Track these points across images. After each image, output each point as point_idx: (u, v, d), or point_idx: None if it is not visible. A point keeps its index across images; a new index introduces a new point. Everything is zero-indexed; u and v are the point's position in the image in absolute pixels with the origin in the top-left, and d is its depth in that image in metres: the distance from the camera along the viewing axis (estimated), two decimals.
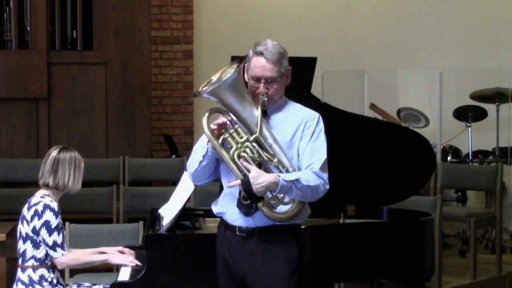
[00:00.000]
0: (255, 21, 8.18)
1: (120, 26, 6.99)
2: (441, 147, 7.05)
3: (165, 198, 4.18)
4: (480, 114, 7.25)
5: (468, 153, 7.15)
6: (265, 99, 3.11)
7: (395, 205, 4.53)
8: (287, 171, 3.06)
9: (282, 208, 3.09)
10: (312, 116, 3.17)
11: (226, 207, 3.23)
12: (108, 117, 6.98)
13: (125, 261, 3.75)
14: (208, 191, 5.56)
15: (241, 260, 3.18)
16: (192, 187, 3.86)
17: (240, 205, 3.13)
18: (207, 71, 7.82)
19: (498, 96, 7.00)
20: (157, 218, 4.08)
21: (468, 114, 7.20)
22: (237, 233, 3.18)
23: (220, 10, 8.29)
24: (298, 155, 3.13)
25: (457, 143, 7.35)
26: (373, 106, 7.22)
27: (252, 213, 3.12)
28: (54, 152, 3.76)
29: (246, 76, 3.18)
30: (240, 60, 3.20)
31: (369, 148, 4.38)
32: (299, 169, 3.09)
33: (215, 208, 3.30)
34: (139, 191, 6.08)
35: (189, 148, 8.06)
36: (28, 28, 6.87)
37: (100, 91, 6.98)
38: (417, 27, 8.08)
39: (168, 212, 3.93)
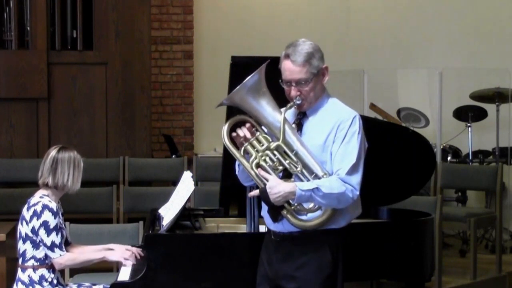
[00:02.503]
0: (255, 21, 8.19)
1: (120, 26, 6.99)
2: (441, 147, 7.05)
3: (165, 198, 4.18)
4: (480, 114, 7.24)
5: (468, 153, 7.15)
6: (298, 102, 3.04)
7: (395, 205, 4.53)
8: (316, 177, 2.98)
9: (310, 216, 3.03)
10: (347, 117, 3.06)
11: (265, 210, 3.18)
12: (108, 117, 6.98)
13: (122, 258, 3.74)
14: (208, 191, 5.57)
15: (275, 264, 3.15)
16: (192, 187, 3.86)
17: (269, 210, 3.09)
18: (207, 71, 7.97)
19: (498, 96, 7.00)
20: (157, 218, 4.08)
21: (468, 114, 7.19)
22: (272, 237, 3.16)
23: (220, 10, 8.29)
24: (331, 159, 3.04)
25: (457, 143, 7.34)
26: (373, 106, 7.22)
27: (280, 219, 3.06)
28: (53, 152, 3.76)
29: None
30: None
31: (369, 148, 4.37)
32: (331, 174, 3.01)
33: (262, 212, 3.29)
34: (139, 191, 6.08)
35: (189, 148, 8.07)
36: (28, 28, 6.87)
37: (100, 91, 6.98)
38: (417, 27, 8.08)
39: (168, 212, 3.93)
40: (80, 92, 6.96)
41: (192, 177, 4.01)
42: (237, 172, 3.24)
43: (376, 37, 8.16)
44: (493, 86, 7.01)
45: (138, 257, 3.74)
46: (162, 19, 8.08)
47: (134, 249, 3.79)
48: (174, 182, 6.31)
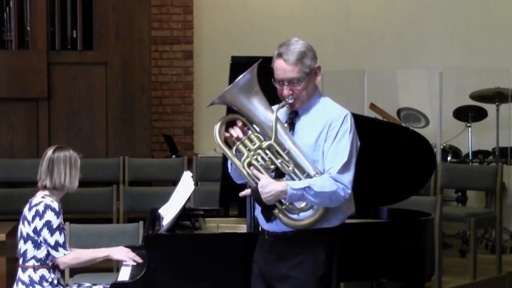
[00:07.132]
0: (255, 20, 8.19)
1: (120, 26, 6.99)
2: (441, 147, 7.05)
3: (165, 198, 4.18)
4: (480, 114, 7.24)
5: (468, 153, 7.15)
6: (290, 101, 3.04)
7: (395, 205, 4.53)
8: (308, 176, 2.98)
9: (302, 215, 3.03)
10: (338, 116, 3.06)
11: (258, 210, 3.18)
12: (108, 117, 6.99)
13: (126, 257, 3.73)
14: (208, 191, 5.57)
15: (270, 264, 3.15)
16: (192, 187, 3.86)
17: (262, 210, 3.09)
18: (207, 71, 7.98)
19: (498, 96, 7.00)
20: (157, 218, 4.08)
21: (468, 114, 7.19)
22: (266, 237, 3.16)
23: (220, 10, 8.29)
24: (323, 158, 3.04)
25: (457, 143, 7.34)
26: (373, 106, 7.22)
27: (273, 219, 3.06)
28: (49, 153, 3.75)
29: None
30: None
31: (369, 148, 4.37)
32: (323, 173, 3.01)
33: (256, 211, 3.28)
34: (139, 191, 6.09)
35: (189, 148, 8.07)
36: (28, 28, 6.87)
37: (100, 91, 6.98)
38: (417, 27, 8.08)
39: (168, 212, 3.93)
40: (80, 92, 6.96)
41: (192, 177, 4.01)
42: (229, 171, 3.24)
43: (376, 37, 8.16)
44: (493, 86, 7.01)
45: (135, 263, 3.73)
46: (162, 19, 8.08)
47: (132, 254, 3.78)
48: (174, 182, 6.31)
